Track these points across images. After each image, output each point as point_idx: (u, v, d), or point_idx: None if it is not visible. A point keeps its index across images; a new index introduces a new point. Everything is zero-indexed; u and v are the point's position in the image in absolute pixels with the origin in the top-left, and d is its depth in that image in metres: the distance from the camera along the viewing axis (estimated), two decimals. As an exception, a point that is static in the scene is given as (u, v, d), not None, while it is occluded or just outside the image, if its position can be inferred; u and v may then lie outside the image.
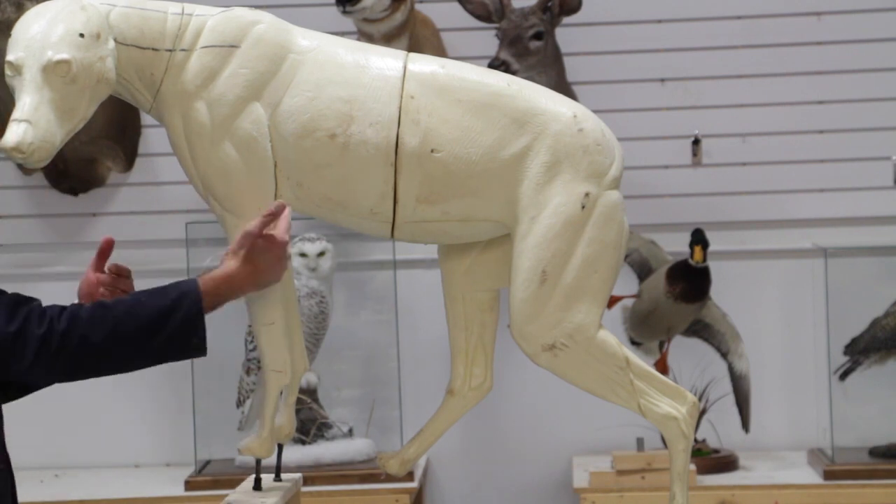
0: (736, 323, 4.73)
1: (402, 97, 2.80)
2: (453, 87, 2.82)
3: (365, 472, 4.59)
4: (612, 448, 4.68)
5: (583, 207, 2.81)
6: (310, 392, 4.70)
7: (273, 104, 2.79)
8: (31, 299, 2.69)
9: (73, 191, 4.98)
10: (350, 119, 2.78)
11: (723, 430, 4.80)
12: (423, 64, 2.85)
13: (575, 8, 4.64)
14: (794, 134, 4.96)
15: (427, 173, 2.79)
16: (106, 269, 2.91)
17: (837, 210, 4.93)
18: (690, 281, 4.61)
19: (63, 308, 2.68)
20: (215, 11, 2.83)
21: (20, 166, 4.85)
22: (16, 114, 2.65)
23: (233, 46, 2.79)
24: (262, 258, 2.76)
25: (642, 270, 4.76)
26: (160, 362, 2.75)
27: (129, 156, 5.00)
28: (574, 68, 4.81)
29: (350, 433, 4.74)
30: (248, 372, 4.63)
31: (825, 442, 4.71)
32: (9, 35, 2.73)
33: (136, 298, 2.73)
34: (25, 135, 2.62)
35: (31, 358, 2.62)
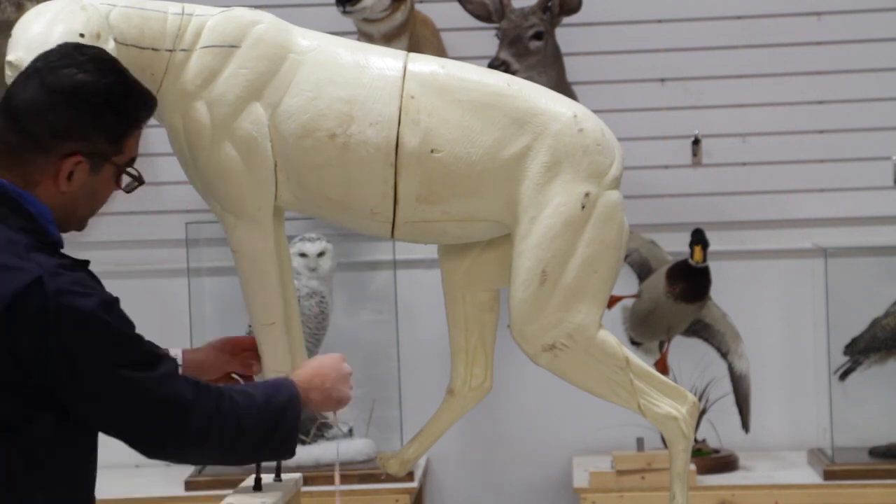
0: (736, 323, 4.73)
1: (402, 97, 2.80)
2: (453, 87, 2.82)
3: (365, 472, 4.58)
4: (612, 448, 4.68)
5: (583, 207, 2.81)
6: (310, 392, 4.70)
7: (273, 104, 2.79)
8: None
9: (73, 191, 4.97)
10: (350, 119, 2.78)
11: (723, 430, 4.80)
12: (423, 64, 2.86)
13: (575, 8, 4.64)
14: (794, 134, 4.96)
15: (427, 173, 2.79)
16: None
17: (837, 210, 4.93)
18: (690, 281, 4.61)
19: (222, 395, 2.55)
20: (215, 11, 2.83)
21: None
22: (16, 114, 2.64)
23: (233, 46, 2.79)
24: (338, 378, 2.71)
25: (642, 270, 4.76)
26: (262, 459, 2.68)
27: (129, 156, 4.99)
28: (574, 68, 4.80)
29: (350, 433, 4.74)
30: (248, 372, 4.62)
31: (825, 442, 4.71)
32: (9, 35, 2.73)
33: (251, 392, 2.59)
34: (26, 135, 2.62)
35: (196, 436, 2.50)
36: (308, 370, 2.68)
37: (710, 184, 4.97)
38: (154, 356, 2.47)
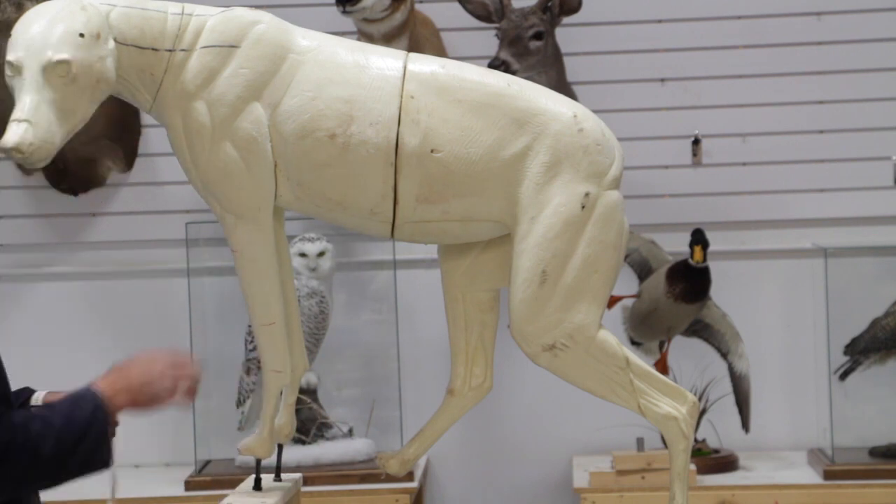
0: (736, 323, 4.73)
1: (402, 97, 2.80)
2: (453, 87, 2.82)
3: (365, 472, 4.59)
4: (612, 448, 4.67)
5: (583, 207, 2.81)
6: (310, 392, 4.70)
7: (273, 104, 2.79)
8: None
9: (73, 191, 4.98)
10: (350, 119, 2.78)
11: (723, 430, 4.80)
12: (423, 64, 2.85)
13: (575, 8, 4.64)
14: (794, 134, 4.96)
15: (427, 173, 2.79)
16: None
17: (837, 210, 4.93)
18: (690, 281, 4.61)
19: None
20: (215, 11, 2.83)
21: (20, 166, 4.85)
22: (16, 114, 2.65)
23: (233, 46, 2.79)
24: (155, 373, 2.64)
25: (642, 270, 4.76)
26: (69, 480, 2.59)
27: (129, 156, 5.00)
28: (574, 68, 4.80)
29: (350, 433, 4.74)
30: (248, 372, 4.63)
31: (825, 442, 4.71)
32: (9, 35, 2.73)
33: (47, 417, 2.54)
34: (25, 135, 2.62)
35: None
36: (111, 374, 2.60)
37: (710, 184, 4.97)
38: None
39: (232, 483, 3.52)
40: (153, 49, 2.77)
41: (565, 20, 4.68)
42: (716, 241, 4.72)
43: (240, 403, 4.64)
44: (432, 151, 2.79)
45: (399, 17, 4.59)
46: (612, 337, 2.85)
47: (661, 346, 4.75)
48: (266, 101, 2.79)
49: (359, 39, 4.54)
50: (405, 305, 4.89)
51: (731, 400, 4.75)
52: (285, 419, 2.96)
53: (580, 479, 4.60)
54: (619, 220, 2.85)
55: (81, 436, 2.50)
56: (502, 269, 2.90)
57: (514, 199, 2.81)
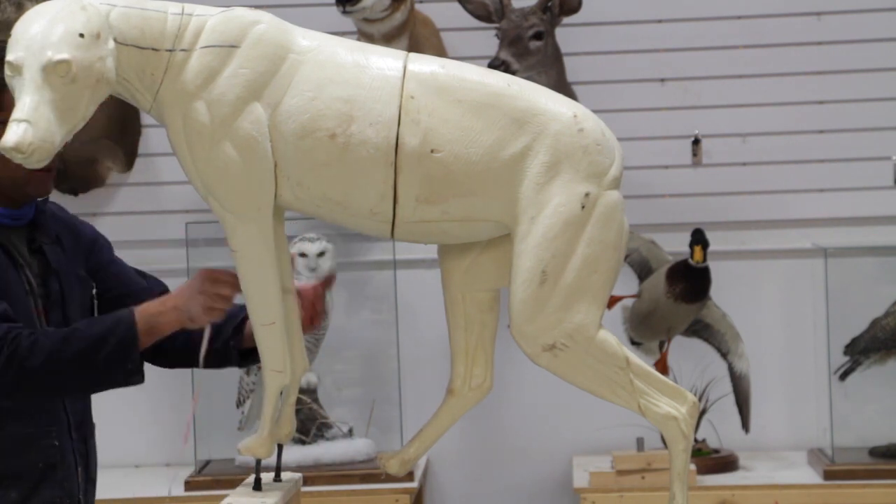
0: (736, 323, 4.73)
1: (402, 97, 2.79)
2: (453, 87, 2.82)
3: (365, 472, 4.59)
4: (612, 448, 4.68)
5: (583, 207, 2.81)
6: (310, 392, 4.71)
7: (273, 104, 2.79)
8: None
9: (73, 191, 4.98)
10: (350, 119, 2.78)
11: (723, 430, 4.80)
12: (423, 64, 2.85)
13: (575, 8, 4.64)
14: (794, 134, 4.96)
15: (427, 173, 2.79)
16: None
17: (837, 210, 4.94)
18: (690, 281, 4.61)
19: (31, 334, 2.93)
20: (215, 11, 2.83)
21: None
22: (16, 114, 2.65)
23: (233, 46, 2.79)
24: (192, 294, 2.96)
25: (642, 270, 4.76)
26: (99, 387, 3.04)
27: (129, 156, 5.00)
28: (574, 68, 4.81)
29: (350, 433, 4.74)
30: (248, 372, 4.63)
31: (825, 442, 4.71)
32: (9, 35, 2.73)
33: (74, 327, 2.96)
34: (25, 135, 2.62)
35: None
36: (160, 298, 3.01)
37: (710, 184, 4.97)
38: None
39: (232, 483, 3.52)
40: (153, 49, 2.77)
41: (565, 20, 4.68)
42: (716, 241, 4.72)
43: (240, 403, 4.64)
44: (432, 151, 2.79)
45: (399, 17, 4.59)
46: (612, 337, 2.85)
47: (661, 346, 4.76)
48: (266, 101, 2.78)
49: (359, 39, 4.54)
50: (405, 305, 4.90)
51: (731, 400, 4.75)
52: (285, 419, 2.96)
53: (580, 479, 4.60)
54: (619, 220, 2.85)
55: (100, 342, 2.89)
56: (502, 269, 2.89)
57: (513, 199, 2.81)
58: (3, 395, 2.95)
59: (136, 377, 2.97)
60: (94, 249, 3.30)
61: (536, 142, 2.81)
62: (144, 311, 2.96)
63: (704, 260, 4.59)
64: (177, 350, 3.17)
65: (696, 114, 4.97)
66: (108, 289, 3.24)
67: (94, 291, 3.19)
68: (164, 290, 3.23)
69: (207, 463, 4.76)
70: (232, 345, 3.13)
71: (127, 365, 2.93)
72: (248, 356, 3.13)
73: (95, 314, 3.16)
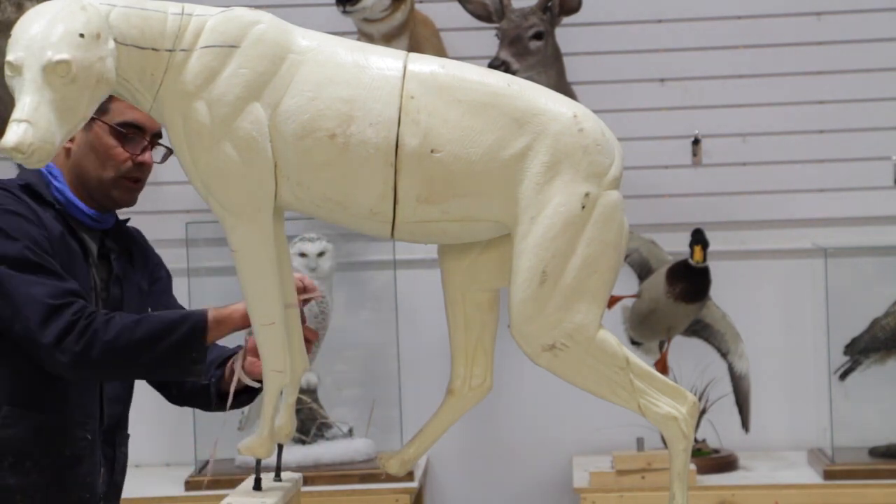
0: (736, 323, 4.73)
1: (402, 97, 2.79)
2: (453, 87, 2.82)
3: (365, 472, 4.59)
4: (612, 448, 4.68)
5: (583, 207, 2.80)
6: (310, 392, 4.71)
7: (273, 104, 2.79)
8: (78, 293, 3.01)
9: (74, 191, 4.97)
10: (350, 119, 2.78)
11: (723, 430, 4.80)
12: (423, 64, 2.85)
13: (575, 8, 4.64)
14: (794, 134, 4.96)
15: (427, 173, 2.79)
16: None
17: (837, 210, 4.94)
18: (690, 281, 4.61)
19: (107, 312, 3.01)
20: (215, 11, 2.83)
21: (20, 167, 4.84)
22: (16, 114, 2.64)
23: (233, 46, 2.78)
24: None
25: (642, 270, 4.76)
26: (162, 372, 3.07)
27: (129, 156, 4.99)
28: (574, 68, 4.81)
29: (350, 433, 4.74)
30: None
31: (825, 442, 4.71)
32: (9, 35, 2.73)
33: (147, 313, 3.05)
34: (25, 135, 2.62)
35: (61, 343, 2.95)
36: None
37: (710, 184, 4.97)
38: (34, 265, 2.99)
39: (232, 483, 3.53)
40: (153, 49, 2.77)
41: (565, 20, 4.68)
42: (716, 241, 4.72)
43: (240, 403, 4.63)
44: (432, 151, 2.79)
45: (399, 17, 4.59)
46: (612, 337, 2.85)
47: (661, 346, 4.76)
48: (266, 101, 2.78)
49: (359, 39, 4.54)
50: (405, 305, 4.90)
51: (731, 400, 4.75)
52: (285, 419, 2.96)
53: (580, 479, 4.60)
54: (619, 220, 2.85)
55: (171, 327, 2.95)
56: (502, 269, 2.89)
57: (513, 199, 2.81)
58: (71, 367, 2.96)
59: (199, 367, 2.99)
60: (159, 277, 3.39)
61: (536, 142, 2.81)
62: (216, 309, 3.01)
63: (704, 260, 4.59)
64: (184, 394, 3.27)
65: (696, 114, 4.97)
66: None
67: (149, 310, 3.24)
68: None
69: (207, 463, 4.76)
70: (212, 381, 3.16)
71: (192, 353, 2.96)
72: (224, 398, 3.12)
73: None
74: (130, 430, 3.38)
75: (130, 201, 3.25)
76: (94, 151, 3.17)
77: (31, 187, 3.17)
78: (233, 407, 3.12)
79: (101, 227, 3.25)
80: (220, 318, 3.00)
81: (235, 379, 3.02)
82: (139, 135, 3.21)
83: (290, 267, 2.99)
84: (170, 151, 3.16)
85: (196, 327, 2.97)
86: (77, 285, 3.04)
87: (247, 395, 3.09)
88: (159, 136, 3.22)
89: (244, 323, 3.01)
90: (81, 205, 3.20)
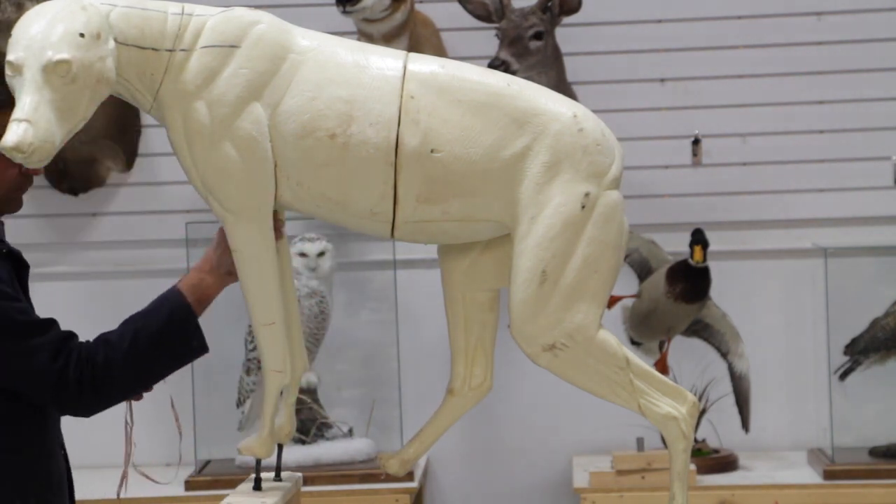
0: (736, 323, 4.73)
1: (402, 97, 2.79)
2: (453, 87, 2.82)
3: (365, 472, 4.59)
4: (612, 448, 4.68)
5: (583, 207, 2.81)
6: (310, 392, 4.71)
7: (273, 104, 2.79)
8: (70, 337, 2.95)
9: (73, 191, 4.98)
10: (350, 119, 2.78)
11: (723, 430, 4.80)
12: (423, 64, 2.85)
13: (575, 8, 4.64)
14: (794, 134, 4.96)
15: (427, 173, 2.79)
16: None
17: (837, 210, 4.94)
18: (690, 281, 4.61)
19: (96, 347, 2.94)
20: (215, 11, 2.83)
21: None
22: (16, 114, 2.65)
23: (233, 46, 2.79)
24: (220, 251, 2.94)
25: (642, 270, 4.76)
26: (172, 372, 3.02)
27: (129, 156, 5.00)
28: (574, 68, 4.81)
29: (350, 433, 4.74)
30: (248, 372, 4.63)
31: (825, 442, 4.71)
32: (9, 35, 2.73)
33: (132, 327, 2.95)
34: (25, 135, 2.62)
35: (75, 397, 2.91)
36: (191, 271, 2.96)
37: (710, 184, 4.97)
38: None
39: (232, 483, 3.53)
40: (153, 49, 2.77)
41: (565, 20, 4.68)
42: (716, 241, 4.72)
43: (240, 403, 4.64)
44: (432, 151, 2.79)
45: (399, 17, 4.59)
46: (612, 337, 2.85)
47: (661, 346, 4.75)
48: (266, 101, 2.79)
49: (359, 39, 4.54)
50: (405, 305, 4.89)
51: (731, 400, 4.75)
52: (285, 419, 2.96)
53: (580, 479, 4.60)
54: (619, 220, 2.85)
55: (163, 334, 2.90)
56: (502, 269, 2.90)
57: (513, 199, 2.81)
58: (89, 410, 2.97)
59: (202, 351, 2.96)
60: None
61: (536, 142, 2.81)
62: (187, 285, 2.93)
63: (704, 260, 4.59)
64: None
65: (696, 114, 4.96)
66: None
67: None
68: None
69: (207, 463, 4.76)
70: None
71: (192, 343, 2.94)
72: None
73: None
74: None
75: (19, 206, 3.09)
76: None
77: None
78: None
79: None
80: (198, 296, 2.93)
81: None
82: None
83: (291, 267, 2.99)
84: None
85: (185, 323, 2.92)
86: (55, 320, 3.00)
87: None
88: None
89: (221, 281, 2.95)
90: None
